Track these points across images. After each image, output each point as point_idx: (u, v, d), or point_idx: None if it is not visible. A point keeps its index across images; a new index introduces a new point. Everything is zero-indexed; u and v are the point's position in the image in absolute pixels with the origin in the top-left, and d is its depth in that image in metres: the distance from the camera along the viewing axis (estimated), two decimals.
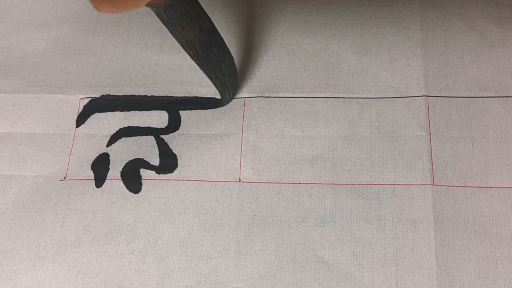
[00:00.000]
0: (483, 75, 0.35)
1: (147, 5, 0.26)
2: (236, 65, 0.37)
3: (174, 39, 0.37)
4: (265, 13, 0.39)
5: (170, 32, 0.29)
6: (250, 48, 0.38)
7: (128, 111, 0.37)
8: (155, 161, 0.36)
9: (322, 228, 0.32)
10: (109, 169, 0.36)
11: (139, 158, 0.36)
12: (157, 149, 0.36)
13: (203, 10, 0.30)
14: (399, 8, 0.37)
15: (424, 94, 0.34)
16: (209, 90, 0.37)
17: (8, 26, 0.42)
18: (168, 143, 0.36)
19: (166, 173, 0.35)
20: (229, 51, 0.33)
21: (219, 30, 0.31)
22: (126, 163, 0.36)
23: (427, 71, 0.35)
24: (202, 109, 0.37)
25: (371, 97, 0.35)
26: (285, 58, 0.37)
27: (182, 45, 0.30)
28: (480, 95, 0.34)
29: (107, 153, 0.36)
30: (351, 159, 0.34)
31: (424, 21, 0.36)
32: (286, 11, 0.38)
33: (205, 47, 0.31)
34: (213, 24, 0.31)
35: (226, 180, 0.34)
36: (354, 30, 0.37)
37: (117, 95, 0.38)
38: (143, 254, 0.33)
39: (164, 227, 0.34)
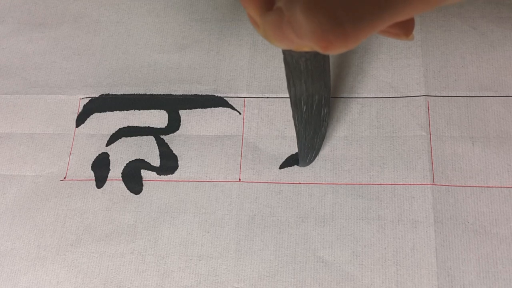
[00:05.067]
0: (484, 75, 0.35)
1: (289, 53, 0.24)
2: (236, 65, 0.37)
3: (174, 38, 0.37)
4: None
5: (293, 83, 0.27)
6: (250, 48, 0.38)
7: (128, 110, 0.37)
8: (156, 162, 0.36)
9: (322, 228, 0.32)
10: (109, 169, 0.36)
11: (139, 159, 0.36)
12: (158, 150, 0.36)
13: (330, 66, 0.28)
14: None
15: (424, 94, 0.34)
16: (208, 88, 0.37)
17: (9, 27, 0.42)
18: (168, 143, 0.36)
19: (167, 174, 0.35)
20: (330, 113, 0.32)
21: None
22: (126, 164, 0.36)
23: (427, 70, 0.35)
24: (202, 108, 0.37)
25: (371, 97, 0.35)
26: None
27: (298, 100, 0.28)
28: (481, 95, 0.34)
29: (107, 153, 0.36)
30: (351, 159, 0.34)
31: (424, 21, 0.36)
32: None
33: (320, 104, 0.29)
34: (330, 82, 0.30)
35: (226, 180, 0.34)
36: None
37: (116, 94, 0.38)
38: (143, 254, 0.33)
39: (164, 227, 0.34)
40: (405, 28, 0.24)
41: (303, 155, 0.33)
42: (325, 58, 0.27)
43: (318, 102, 0.29)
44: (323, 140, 0.33)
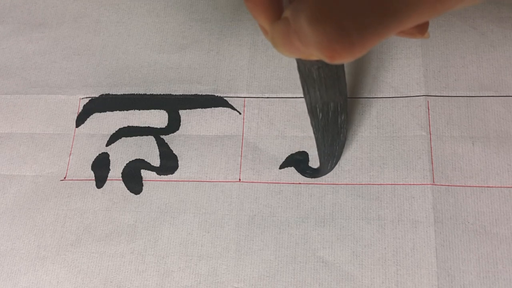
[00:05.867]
0: (484, 75, 0.35)
1: (301, 61, 0.24)
2: (236, 65, 0.37)
3: (174, 38, 0.37)
4: None
5: (307, 91, 0.27)
6: (250, 48, 0.38)
7: (128, 110, 0.37)
8: (156, 162, 0.36)
9: (322, 228, 0.32)
10: (109, 169, 0.36)
11: (139, 159, 0.36)
12: (158, 150, 0.36)
13: (345, 74, 0.28)
14: None
15: (424, 94, 0.34)
16: (208, 88, 0.37)
17: (9, 27, 0.42)
18: (168, 143, 0.36)
19: (167, 174, 0.35)
20: (348, 120, 0.31)
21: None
22: (126, 164, 0.36)
23: (427, 70, 0.35)
24: (202, 108, 0.37)
25: (371, 97, 0.35)
26: (285, 58, 0.37)
27: (313, 107, 0.28)
28: (481, 95, 0.34)
29: (106, 152, 0.36)
30: (351, 159, 0.34)
31: None
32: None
33: (336, 112, 0.29)
34: (347, 90, 0.30)
35: (226, 180, 0.34)
36: None
37: (116, 94, 0.38)
38: (143, 254, 0.33)
39: (164, 227, 0.34)
40: (420, 27, 0.24)
41: (324, 162, 0.33)
42: (338, 66, 0.26)
43: (334, 110, 0.29)
44: (343, 148, 0.33)
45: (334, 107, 0.29)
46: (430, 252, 0.31)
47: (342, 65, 0.27)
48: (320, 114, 0.29)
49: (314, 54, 0.19)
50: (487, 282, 0.30)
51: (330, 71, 0.26)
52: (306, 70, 0.25)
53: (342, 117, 0.30)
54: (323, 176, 0.33)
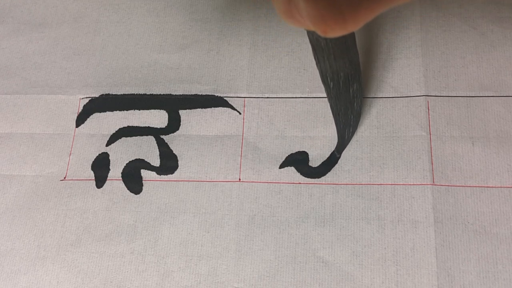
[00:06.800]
0: (484, 75, 0.35)
1: (309, 31, 0.25)
2: (236, 65, 0.38)
3: (174, 38, 0.37)
4: (265, 13, 0.39)
5: (318, 60, 0.28)
6: (250, 48, 0.38)
7: (128, 110, 0.37)
8: (156, 162, 0.36)
9: (322, 228, 0.32)
10: (109, 169, 0.36)
11: (139, 159, 0.36)
12: (157, 150, 0.36)
13: (356, 43, 0.28)
14: (399, 8, 0.37)
15: (424, 94, 0.34)
16: (208, 88, 0.37)
17: (9, 27, 0.42)
18: (168, 143, 0.36)
19: (166, 174, 0.35)
20: (363, 89, 0.32)
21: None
22: (126, 164, 0.36)
23: (427, 70, 0.35)
24: (202, 108, 0.37)
25: (371, 97, 0.35)
26: (285, 58, 0.37)
27: (324, 76, 0.29)
28: (481, 95, 0.34)
29: (106, 152, 0.36)
30: (351, 159, 0.34)
31: (424, 21, 0.36)
32: None
33: (347, 81, 0.29)
34: (359, 59, 0.30)
35: (226, 180, 0.34)
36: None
37: (116, 94, 0.38)
38: (143, 254, 0.33)
39: (164, 227, 0.34)
40: None
41: (340, 131, 0.33)
42: (347, 36, 0.27)
43: (344, 79, 0.29)
44: (359, 118, 0.34)
45: (344, 76, 0.29)
46: (430, 252, 0.31)
47: (353, 35, 0.28)
48: (331, 83, 0.29)
49: (310, 27, 0.19)
50: (487, 282, 0.30)
51: (338, 40, 0.26)
52: (314, 40, 0.26)
53: (354, 87, 0.30)
54: (323, 176, 0.33)
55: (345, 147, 0.34)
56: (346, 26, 0.18)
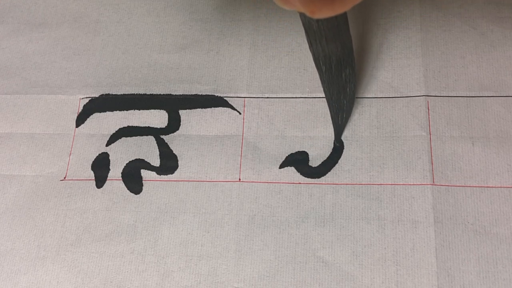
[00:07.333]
0: (484, 75, 0.35)
1: (300, 13, 0.25)
2: (236, 65, 0.38)
3: (174, 38, 0.37)
4: (265, 13, 0.39)
5: (310, 43, 0.28)
6: (250, 48, 0.38)
7: (128, 110, 0.37)
8: (156, 162, 0.36)
9: (322, 228, 0.32)
10: (109, 169, 0.36)
11: (139, 159, 0.36)
12: (157, 150, 0.36)
13: (349, 28, 0.29)
14: (399, 8, 0.37)
15: (424, 94, 0.34)
16: (208, 88, 0.37)
17: (9, 27, 0.42)
18: (168, 143, 0.36)
19: (167, 174, 0.35)
20: (356, 74, 0.32)
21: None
22: (126, 164, 0.36)
23: (427, 70, 0.35)
24: (202, 108, 0.37)
25: (371, 97, 0.35)
26: (285, 58, 0.37)
27: (316, 59, 0.29)
28: (481, 95, 0.34)
29: (106, 152, 0.36)
30: (351, 159, 0.34)
31: (424, 21, 0.36)
32: (286, 11, 0.38)
33: (340, 66, 0.30)
34: (352, 44, 0.30)
35: (226, 180, 0.34)
36: (354, 30, 0.37)
37: (116, 94, 0.38)
38: (143, 254, 0.33)
39: (164, 227, 0.34)
40: None
41: (334, 116, 0.33)
42: (339, 19, 0.27)
43: (336, 63, 0.29)
44: (352, 103, 0.34)
45: (336, 60, 0.29)
46: (430, 252, 0.31)
47: (345, 18, 0.28)
48: (324, 67, 0.29)
49: (300, 8, 0.20)
50: (487, 282, 0.30)
51: (330, 23, 0.26)
52: (307, 22, 0.26)
53: (347, 71, 0.30)
54: (323, 176, 0.33)
55: (341, 134, 0.34)
56: (333, 7, 0.18)
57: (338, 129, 0.34)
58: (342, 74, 0.30)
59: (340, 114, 0.33)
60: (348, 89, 0.32)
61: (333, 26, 0.27)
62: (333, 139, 0.34)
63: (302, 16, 0.26)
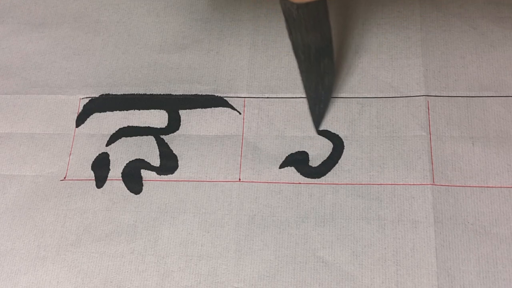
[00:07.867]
0: (484, 75, 0.35)
1: (282, 1, 0.26)
2: (236, 65, 0.38)
3: (174, 38, 0.37)
4: (265, 13, 0.39)
5: (290, 32, 0.28)
6: (250, 48, 0.38)
7: (128, 110, 0.37)
8: (156, 162, 0.36)
9: (322, 228, 0.32)
10: (109, 169, 0.36)
11: (139, 159, 0.36)
12: (157, 150, 0.36)
13: (329, 18, 0.29)
14: (399, 8, 0.37)
15: (424, 94, 0.34)
16: (208, 88, 0.37)
17: (9, 27, 0.42)
18: (168, 143, 0.36)
19: (167, 174, 0.35)
20: (334, 65, 0.33)
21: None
22: (126, 164, 0.36)
23: (427, 70, 0.35)
24: (202, 108, 0.37)
25: (371, 97, 0.35)
26: (285, 58, 0.37)
27: (296, 48, 0.30)
28: (481, 95, 0.34)
29: (106, 152, 0.36)
30: (351, 159, 0.34)
31: (424, 21, 0.36)
32: None
33: (318, 55, 0.30)
34: (331, 34, 0.30)
35: (226, 180, 0.34)
36: (354, 30, 0.37)
37: (116, 94, 0.38)
38: (143, 254, 0.33)
39: (164, 227, 0.34)
40: None
41: (311, 106, 0.34)
42: (319, 8, 0.27)
43: (315, 52, 0.30)
44: (330, 94, 0.34)
45: (315, 50, 0.29)
46: (430, 252, 0.31)
47: (325, 8, 0.28)
48: (302, 56, 0.30)
49: None
50: (487, 282, 0.30)
51: (310, 12, 0.27)
52: (287, 10, 0.26)
53: (325, 61, 0.31)
54: (323, 176, 0.33)
55: (319, 124, 0.34)
56: None
57: (316, 119, 0.34)
58: (320, 64, 0.31)
59: (318, 105, 0.34)
60: (326, 80, 0.32)
61: (313, 15, 0.27)
62: (333, 139, 0.34)
63: (282, 3, 0.26)
